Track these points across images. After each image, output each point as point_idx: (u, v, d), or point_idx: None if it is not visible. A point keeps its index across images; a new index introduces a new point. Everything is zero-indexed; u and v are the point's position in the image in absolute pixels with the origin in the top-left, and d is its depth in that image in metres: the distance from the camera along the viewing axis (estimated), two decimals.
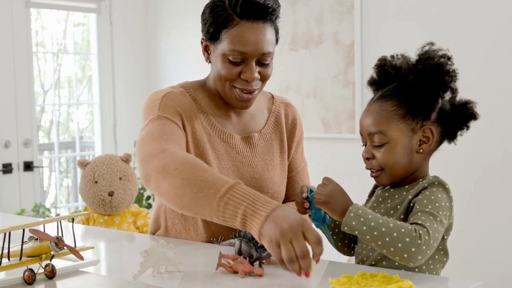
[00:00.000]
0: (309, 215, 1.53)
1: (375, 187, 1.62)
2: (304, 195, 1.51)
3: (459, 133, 1.53)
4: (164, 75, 4.62)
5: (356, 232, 1.36)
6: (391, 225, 1.34)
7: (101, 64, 4.57)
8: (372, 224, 1.35)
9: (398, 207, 1.48)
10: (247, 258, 1.46)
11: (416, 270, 1.45)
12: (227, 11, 1.64)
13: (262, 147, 1.81)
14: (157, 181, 1.44)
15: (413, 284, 1.28)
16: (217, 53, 1.68)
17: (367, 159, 1.53)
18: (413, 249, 1.32)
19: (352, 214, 1.37)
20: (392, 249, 1.33)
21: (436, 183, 1.47)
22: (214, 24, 1.65)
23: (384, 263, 1.47)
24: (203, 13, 1.70)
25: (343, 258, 1.66)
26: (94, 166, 2.93)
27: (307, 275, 1.30)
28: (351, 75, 3.71)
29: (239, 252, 1.47)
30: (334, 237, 1.60)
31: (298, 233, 1.25)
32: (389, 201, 1.52)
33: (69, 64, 4.79)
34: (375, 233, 1.34)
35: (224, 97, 1.73)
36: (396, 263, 1.45)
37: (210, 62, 1.73)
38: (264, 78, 1.70)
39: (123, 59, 4.63)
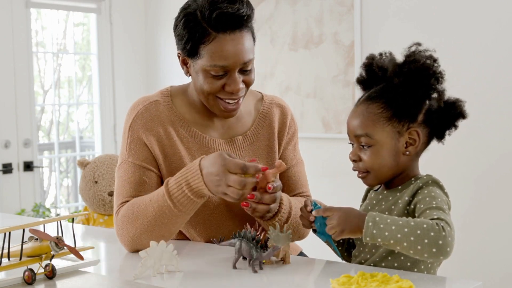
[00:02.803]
0: (314, 229, 1.50)
1: (368, 190, 1.62)
2: (309, 208, 1.49)
3: (447, 132, 1.51)
4: (164, 75, 4.62)
5: (379, 240, 1.34)
6: (412, 223, 1.32)
7: (101, 64, 4.57)
8: (393, 227, 1.33)
9: (393, 207, 1.48)
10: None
11: (416, 270, 1.45)
12: (201, 25, 1.58)
13: (247, 149, 1.79)
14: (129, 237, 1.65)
15: (413, 284, 1.28)
16: (197, 68, 1.64)
17: (353, 161, 1.53)
18: (440, 242, 1.30)
19: (370, 224, 1.34)
20: (419, 247, 1.31)
21: (430, 181, 1.46)
22: (191, 41, 1.60)
23: (383, 264, 1.47)
24: (176, 27, 1.64)
25: None
26: (94, 166, 2.93)
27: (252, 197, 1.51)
28: (351, 75, 3.71)
29: (239, 252, 1.47)
30: (340, 248, 1.59)
31: (226, 175, 1.46)
32: (383, 203, 1.51)
33: (69, 64, 4.78)
34: (399, 235, 1.32)
35: (209, 108, 1.70)
36: (395, 264, 1.45)
37: (189, 75, 1.70)
38: (248, 84, 1.68)
39: (123, 59, 4.63)
